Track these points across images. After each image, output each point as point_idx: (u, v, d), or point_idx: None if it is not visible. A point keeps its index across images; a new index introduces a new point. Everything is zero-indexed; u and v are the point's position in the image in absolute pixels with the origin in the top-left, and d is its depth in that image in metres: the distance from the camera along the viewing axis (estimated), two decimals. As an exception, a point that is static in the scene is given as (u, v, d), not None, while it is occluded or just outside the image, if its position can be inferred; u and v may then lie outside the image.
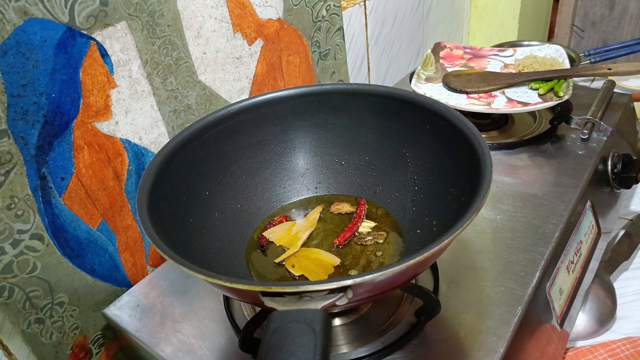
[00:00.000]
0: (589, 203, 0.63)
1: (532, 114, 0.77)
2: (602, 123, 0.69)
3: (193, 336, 0.50)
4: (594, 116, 0.69)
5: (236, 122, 0.54)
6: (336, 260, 0.51)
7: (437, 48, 0.85)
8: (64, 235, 0.52)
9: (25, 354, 0.52)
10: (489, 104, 0.71)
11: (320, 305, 0.32)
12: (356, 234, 0.54)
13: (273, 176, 0.59)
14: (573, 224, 0.58)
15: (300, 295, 0.33)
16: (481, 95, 0.74)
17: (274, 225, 0.56)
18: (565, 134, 0.71)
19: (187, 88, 0.61)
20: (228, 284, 0.33)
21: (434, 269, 0.52)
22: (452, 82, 0.76)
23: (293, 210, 0.59)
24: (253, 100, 0.55)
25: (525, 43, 0.95)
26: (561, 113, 0.70)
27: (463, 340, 0.45)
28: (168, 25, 0.56)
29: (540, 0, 1.40)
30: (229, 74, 0.66)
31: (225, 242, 0.52)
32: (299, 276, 0.50)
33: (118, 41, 0.51)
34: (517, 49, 0.84)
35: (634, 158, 0.71)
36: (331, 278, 0.38)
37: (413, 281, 0.50)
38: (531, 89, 0.73)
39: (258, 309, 0.47)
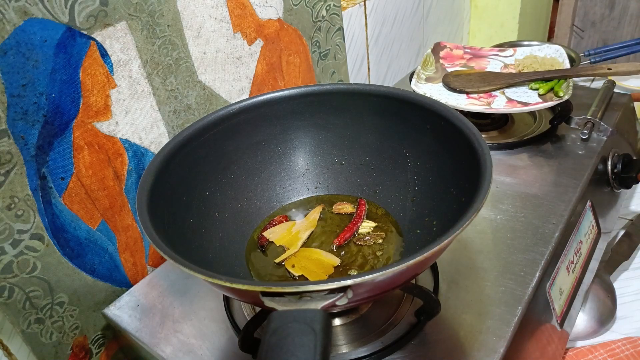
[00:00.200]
0: (589, 203, 0.63)
1: (532, 114, 0.77)
2: (602, 123, 0.69)
3: (193, 336, 0.50)
4: (594, 116, 0.69)
5: (236, 122, 0.54)
6: (336, 261, 0.51)
7: (437, 48, 0.85)
8: (64, 235, 0.52)
9: (25, 354, 0.52)
10: (489, 104, 0.71)
11: (320, 305, 0.32)
12: (356, 234, 0.54)
13: (273, 176, 0.59)
14: (573, 224, 0.58)
15: (300, 295, 0.33)
16: (481, 95, 0.74)
17: (274, 225, 0.56)
18: (565, 134, 0.71)
19: (187, 88, 0.61)
20: (228, 284, 0.33)
21: (434, 269, 0.52)
22: (452, 82, 0.76)
23: (293, 210, 0.59)
24: (253, 100, 0.55)
25: (525, 43, 0.95)
26: (561, 113, 0.70)
27: (463, 340, 0.45)
28: (168, 25, 0.56)
29: (540, 0, 1.40)
30: (229, 74, 0.66)
31: (225, 242, 0.52)
32: (298, 276, 0.50)
33: (118, 41, 0.51)
34: (517, 49, 0.84)
35: (634, 158, 0.71)
36: (331, 278, 0.38)
37: (413, 281, 0.50)
38: (531, 89, 0.73)
39: (258, 309, 0.47)
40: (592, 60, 1.02)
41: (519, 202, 0.60)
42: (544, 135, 0.71)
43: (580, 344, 0.68)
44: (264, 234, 0.55)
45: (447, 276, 0.51)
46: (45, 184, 0.49)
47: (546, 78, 0.72)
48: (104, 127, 0.53)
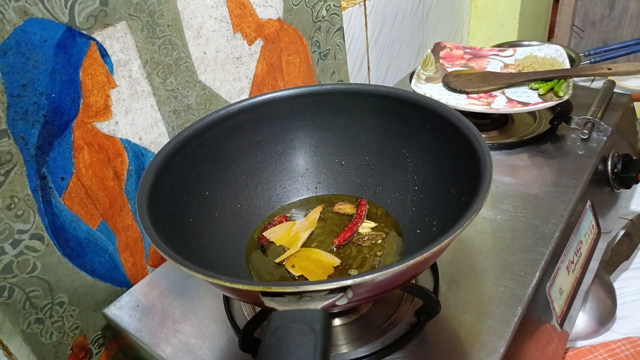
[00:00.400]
0: (589, 203, 0.63)
1: (532, 114, 0.77)
2: (602, 123, 0.69)
3: (193, 336, 0.50)
4: (594, 116, 0.69)
5: (236, 122, 0.54)
6: (336, 261, 0.51)
7: (437, 48, 0.85)
8: (64, 235, 0.52)
9: (25, 354, 0.52)
10: (489, 104, 0.71)
11: (320, 305, 0.32)
12: (356, 234, 0.54)
13: (273, 176, 0.59)
14: (573, 224, 0.58)
15: (300, 295, 0.33)
16: (481, 95, 0.74)
17: (274, 225, 0.56)
18: (565, 134, 0.71)
19: (187, 88, 0.61)
20: (228, 284, 0.33)
21: (434, 269, 0.52)
22: (452, 82, 0.76)
23: (293, 210, 0.59)
24: (253, 100, 0.55)
25: (525, 43, 0.95)
26: (561, 113, 0.70)
27: (463, 340, 0.45)
28: (168, 25, 0.56)
29: (540, 0, 1.40)
30: (229, 74, 0.66)
31: (225, 242, 0.52)
32: (298, 276, 0.50)
33: (118, 41, 0.51)
34: (517, 49, 0.84)
35: (634, 158, 0.71)
36: (331, 278, 0.38)
37: (413, 281, 0.50)
38: (531, 89, 0.73)
39: (258, 309, 0.47)
40: (592, 60, 1.02)
41: (519, 202, 0.60)
42: (544, 135, 0.71)
43: (580, 344, 0.68)
44: (264, 234, 0.55)
45: (447, 276, 0.51)
46: (45, 184, 0.49)
47: (546, 78, 0.72)
48: (104, 127, 0.53)
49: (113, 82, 0.52)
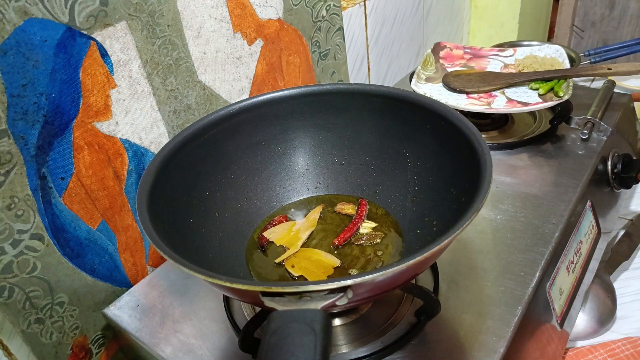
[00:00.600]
0: (589, 203, 0.63)
1: (532, 114, 0.77)
2: (602, 123, 0.69)
3: (193, 336, 0.50)
4: (594, 116, 0.69)
5: (236, 122, 0.54)
6: (336, 262, 0.51)
7: (437, 48, 0.85)
8: (64, 235, 0.52)
9: (25, 354, 0.52)
10: (489, 104, 0.71)
11: (320, 305, 0.32)
12: (356, 234, 0.54)
13: (273, 176, 0.59)
14: (573, 224, 0.58)
15: (300, 295, 0.33)
16: (481, 95, 0.74)
17: (274, 225, 0.56)
18: (565, 134, 0.71)
19: (187, 88, 0.61)
20: (228, 284, 0.33)
21: (434, 269, 0.52)
22: (452, 82, 0.76)
23: (293, 210, 0.59)
24: (253, 100, 0.55)
25: (525, 43, 0.95)
26: (561, 113, 0.70)
27: (463, 340, 0.45)
28: (168, 25, 0.56)
29: (540, 0, 1.40)
30: (229, 74, 0.66)
31: (225, 242, 0.52)
32: (298, 276, 0.50)
33: (118, 41, 0.51)
34: (517, 49, 0.84)
35: (634, 158, 0.71)
36: (331, 278, 0.38)
37: (413, 281, 0.50)
38: (531, 89, 0.73)
39: (258, 309, 0.47)
40: (592, 60, 1.02)
41: (519, 202, 0.60)
42: (544, 135, 0.71)
43: (580, 344, 0.68)
44: (264, 234, 0.55)
45: (447, 276, 0.51)
46: (45, 184, 0.49)
47: (546, 78, 0.72)
48: (104, 127, 0.53)
49: (113, 82, 0.52)
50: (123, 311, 0.54)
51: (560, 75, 0.71)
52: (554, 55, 0.79)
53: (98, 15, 0.49)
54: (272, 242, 0.54)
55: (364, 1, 0.87)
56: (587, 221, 0.63)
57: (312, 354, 0.29)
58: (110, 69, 0.52)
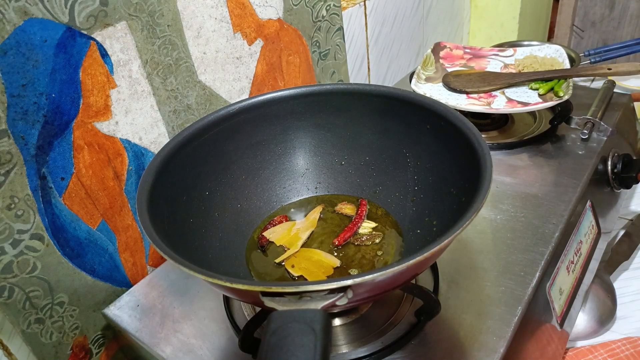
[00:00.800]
0: (589, 203, 0.63)
1: (532, 114, 0.77)
2: (602, 123, 0.69)
3: (193, 336, 0.50)
4: (594, 116, 0.69)
5: (236, 122, 0.54)
6: (336, 262, 0.51)
7: (437, 48, 0.85)
8: (64, 235, 0.52)
9: (25, 354, 0.52)
10: (489, 104, 0.71)
11: (320, 305, 0.32)
12: (356, 234, 0.54)
13: (273, 176, 0.59)
14: (573, 224, 0.58)
15: (300, 295, 0.33)
16: (481, 95, 0.74)
17: (274, 225, 0.56)
18: (565, 134, 0.71)
19: (187, 88, 0.61)
20: (228, 284, 0.33)
21: (434, 269, 0.52)
22: (452, 82, 0.76)
23: (293, 210, 0.59)
24: (253, 100, 0.55)
25: (525, 43, 0.95)
26: (561, 113, 0.70)
27: (463, 340, 0.45)
28: (168, 25, 0.56)
29: (540, 0, 1.40)
30: (229, 74, 0.66)
31: (225, 242, 0.52)
32: (298, 276, 0.50)
33: (118, 41, 0.51)
34: (517, 49, 0.84)
35: (634, 158, 0.71)
36: (331, 278, 0.38)
37: (413, 281, 0.50)
38: (531, 89, 0.73)
39: (258, 309, 0.47)
40: (592, 60, 1.02)
41: (519, 202, 0.60)
42: (544, 135, 0.71)
43: (580, 344, 0.68)
44: (264, 234, 0.55)
45: (447, 276, 0.51)
46: (45, 184, 0.49)
47: (546, 78, 0.72)
48: (104, 127, 0.53)
49: (113, 82, 0.52)
50: (123, 311, 0.54)
51: (560, 75, 0.71)
52: (554, 55, 0.79)
53: (98, 15, 0.49)
54: (272, 242, 0.54)
55: (364, 1, 0.87)
56: (587, 221, 0.63)
57: (312, 354, 0.29)
58: (110, 69, 0.52)
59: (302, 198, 0.60)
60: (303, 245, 0.54)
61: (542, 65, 0.78)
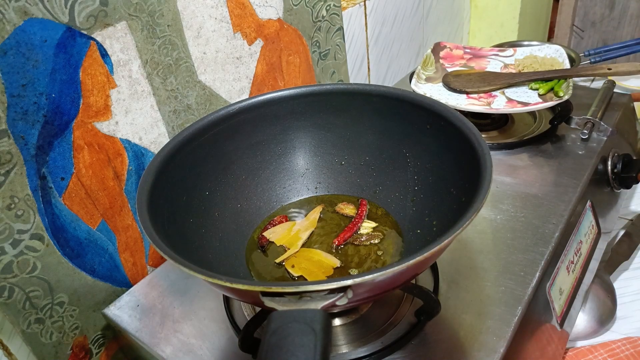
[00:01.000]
0: (589, 203, 0.63)
1: (532, 114, 0.77)
2: (602, 123, 0.69)
3: (193, 336, 0.50)
4: (594, 116, 0.69)
5: (236, 122, 0.54)
6: (336, 262, 0.51)
7: (437, 48, 0.85)
8: (64, 235, 0.52)
9: (25, 354, 0.52)
10: (489, 104, 0.71)
11: (320, 305, 0.32)
12: (356, 234, 0.54)
13: (273, 176, 0.59)
14: (573, 224, 0.58)
15: (300, 295, 0.33)
16: (481, 95, 0.74)
17: (274, 225, 0.56)
18: (565, 134, 0.71)
19: (187, 88, 0.61)
20: (228, 284, 0.33)
21: (434, 269, 0.52)
22: (452, 82, 0.76)
23: (293, 210, 0.59)
24: (253, 100, 0.55)
25: (525, 43, 0.95)
26: (561, 113, 0.70)
27: (463, 340, 0.45)
28: (168, 25, 0.56)
29: (540, 0, 1.40)
30: (229, 74, 0.66)
31: (225, 242, 0.52)
32: (298, 277, 0.50)
33: (118, 41, 0.51)
34: (517, 49, 0.84)
35: (634, 158, 0.71)
36: (331, 278, 0.38)
37: (413, 281, 0.50)
38: (531, 89, 0.73)
39: (258, 309, 0.47)
40: (592, 60, 1.02)
41: (519, 202, 0.60)
42: (544, 135, 0.71)
43: (580, 344, 0.68)
44: (265, 234, 0.55)
45: (447, 276, 0.51)
46: (45, 184, 0.49)
47: (546, 78, 0.72)
48: (104, 127, 0.53)
49: (113, 82, 0.52)
50: (123, 311, 0.54)
51: (560, 75, 0.71)
52: (554, 55, 0.79)
53: (98, 15, 0.49)
54: (272, 242, 0.54)
55: (364, 1, 0.87)
56: (587, 221, 0.63)
57: (312, 354, 0.29)
58: (110, 69, 0.52)
59: (302, 198, 0.60)
60: (303, 246, 0.54)
61: (542, 65, 0.78)
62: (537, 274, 0.50)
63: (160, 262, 0.63)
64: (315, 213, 0.57)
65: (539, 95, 0.71)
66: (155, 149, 0.59)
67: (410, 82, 0.78)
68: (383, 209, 0.57)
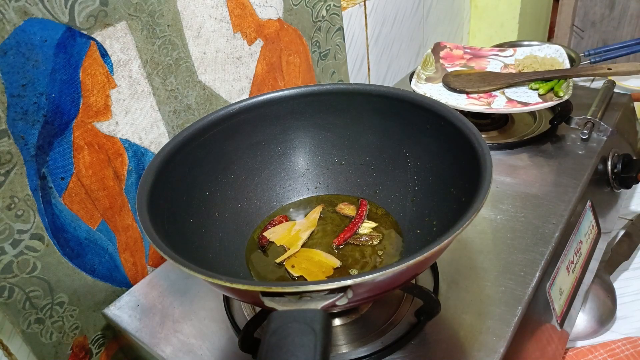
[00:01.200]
0: (589, 203, 0.63)
1: (532, 114, 0.77)
2: (602, 123, 0.69)
3: (193, 336, 0.50)
4: (594, 116, 0.69)
5: (236, 122, 0.54)
6: (336, 262, 0.51)
7: (437, 48, 0.85)
8: (64, 235, 0.52)
9: (25, 354, 0.52)
10: (489, 104, 0.71)
11: (320, 305, 0.32)
12: (356, 234, 0.54)
13: (273, 176, 0.59)
14: (573, 224, 0.58)
15: (300, 295, 0.33)
16: (481, 95, 0.74)
17: (274, 225, 0.56)
18: (565, 134, 0.71)
19: (187, 88, 0.61)
20: (228, 284, 0.33)
21: (434, 269, 0.52)
22: (452, 82, 0.76)
23: (293, 210, 0.59)
24: (253, 100, 0.55)
25: (525, 43, 0.95)
26: (561, 113, 0.70)
27: (463, 340, 0.45)
28: (168, 25, 0.56)
29: (540, 0, 1.40)
30: (229, 74, 0.66)
31: (225, 242, 0.52)
32: (298, 277, 0.50)
33: (118, 41, 0.51)
34: (517, 49, 0.84)
35: (634, 158, 0.71)
36: (331, 278, 0.38)
37: (413, 281, 0.50)
38: (531, 89, 0.73)
39: (258, 309, 0.47)
40: (592, 60, 1.02)
41: (519, 202, 0.60)
42: (544, 135, 0.71)
43: (580, 344, 0.68)
44: (265, 234, 0.55)
45: (447, 276, 0.51)
46: (45, 184, 0.49)
47: (546, 78, 0.72)
48: (104, 127, 0.53)
49: (113, 82, 0.52)
50: (123, 311, 0.54)
51: (560, 75, 0.71)
52: (554, 55, 0.79)
53: (98, 15, 0.49)
54: (273, 242, 0.54)
55: (364, 1, 0.87)
56: (587, 221, 0.63)
57: (312, 354, 0.29)
58: (110, 69, 0.52)
59: (302, 198, 0.60)
60: (303, 246, 0.54)
61: (542, 65, 0.78)
62: (537, 274, 0.50)
63: (160, 262, 0.63)
64: (315, 213, 0.57)
65: (539, 95, 0.71)
66: (155, 149, 0.59)
67: (410, 82, 0.78)
68: (383, 209, 0.57)
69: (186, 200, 0.49)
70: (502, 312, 0.47)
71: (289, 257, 0.52)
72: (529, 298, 0.48)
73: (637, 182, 0.71)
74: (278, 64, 0.72)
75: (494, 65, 0.82)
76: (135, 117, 0.56)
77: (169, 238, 0.40)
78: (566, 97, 0.66)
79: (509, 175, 0.64)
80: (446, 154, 0.49)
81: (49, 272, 0.51)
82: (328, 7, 0.77)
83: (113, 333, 0.60)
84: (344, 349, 0.46)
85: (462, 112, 0.49)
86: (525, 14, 1.29)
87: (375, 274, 0.32)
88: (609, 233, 0.76)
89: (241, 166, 0.56)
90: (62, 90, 0.48)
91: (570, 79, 0.70)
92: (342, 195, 0.60)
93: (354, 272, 0.50)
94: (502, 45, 0.97)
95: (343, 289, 0.33)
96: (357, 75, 0.92)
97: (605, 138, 0.69)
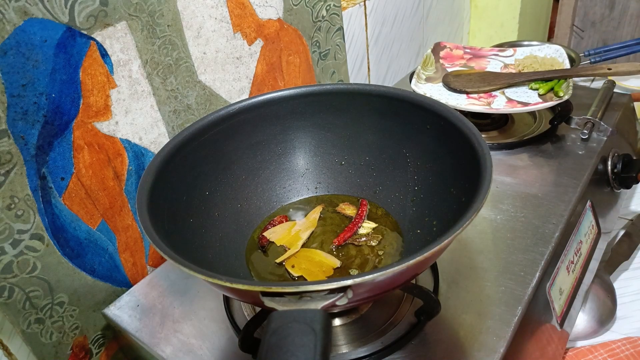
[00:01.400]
0: (589, 203, 0.63)
1: (532, 114, 0.77)
2: (602, 123, 0.69)
3: (193, 336, 0.50)
4: (594, 116, 0.69)
5: (236, 122, 0.54)
6: (336, 263, 0.51)
7: (437, 48, 0.85)
8: (64, 235, 0.52)
9: (25, 354, 0.52)
10: (489, 104, 0.71)
11: (320, 305, 0.32)
12: (356, 234, 0.54)
13: (273, 176, 0.59)
14: (573, 224, 0.58)
15: (300, 295, 0.33)
16: (481, 95, 0.74)
17: (274, 226, 0.56)
18: (565, 134, 0.71)
19: (187, 88, 0.61)
20: (228, 284, 0.33)
21: (434, 269, 0.52)
22: (452, 82, 0.76)
23: (293, 210, 0.59)
24: (253, 100, 0.55)
25: (525, 43, 0.95)
26: (561, 113, 0.70)
27: (463, 340, 0.45)
28: (168, 25, 0.56)
29: (540, 0, 1.40)
30: (229, 74, 0.66)
31: (225, 242, 0.52)
32: (298, 277, 0.50)
33: (118, 41, 0.51)
34: (517, 49, 0.84)
35: (634, 158, 0.71)
36: (331, 278, 0.38)
37: (413, 281, 0.50)
38: (531, 89, 0.73)
39: (258, 309, 0.47)
40: (592, 60, 1.02)
41: (519, 202, 0.60)
42: (544, 135, 0.71)
43: (580, 344, 0.68)
44: (265, 234, 0.55)
45: (447, 276, 0.51)
46: (45, 184, 0.49)
47: (546, 78, 0.72)
48: (104, 127, 0.53)
49: (113, 82, 0.52)
50: (123, 311, 0.54)
51: (560, 75, 0.71)
52: (554, 55, 0.79)
53: (98, 15, 0.49)
54: (273, 242, 0.54)
55: (364, 1, 0.87)
56: (587, 221, 0.63)
57: (312, 354, 0.29)
58: (110, 69, 0.52)
59: (302, 198, 0.60)
60: (303, 246, 0.54)
61: (542, 65, 0.78)
62: (537, 274, 0.50)
63: (160, 262, 0.63)
64: (316, 213, 0.57)
65: (539, 95, 0.71)
66: (155, 149, 0.59)
67: (410, 82, 0.78)
68: (383, 209, 0.57)
69: (186, 200, 0.49)
70: (502, 312, 0.47)
71: (289, 257, 0.53)
72: (529, 298, 0.48)
73: (637, 182, 0.71)
74: (278, 64, 0.72)
75: (494, 65, 0.82)
76: (135, 117, 0.56)
77: (169, 238, 0.40)
78: (566, 97, 0.66)
79: (509, 175, 0.64)
80: (446, 154, 0.49)
81: (49, 272, 0.51)
82: (328, 7, 0.77)
83: (113, 333, 0.60)
84: (344, 349, 0.46)
85: (462, 112, 0.49)
86: (525, 14, 1.29)
87: (375, 274, 0.32)
88: (609, 233, 0.76)
89: (241, 166, 0.56)
90: (62, 90, 0.48)
91: (570, 79, 0.70)
92: (342, 195, 0.60)
93: (354, 272, 0.50)
94: (502, 45, 0.97)
95: (343, 289, 0.33)
96: (357, 75, 0.92)
97: (605, 138, 0.69)
